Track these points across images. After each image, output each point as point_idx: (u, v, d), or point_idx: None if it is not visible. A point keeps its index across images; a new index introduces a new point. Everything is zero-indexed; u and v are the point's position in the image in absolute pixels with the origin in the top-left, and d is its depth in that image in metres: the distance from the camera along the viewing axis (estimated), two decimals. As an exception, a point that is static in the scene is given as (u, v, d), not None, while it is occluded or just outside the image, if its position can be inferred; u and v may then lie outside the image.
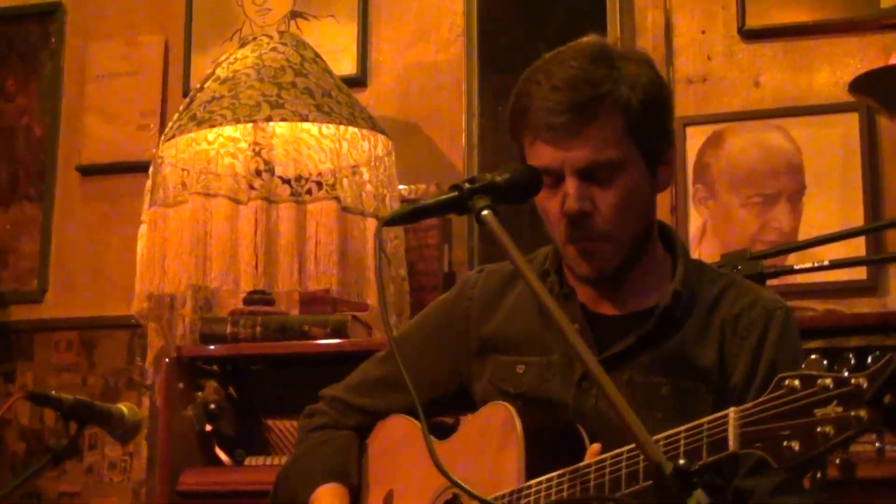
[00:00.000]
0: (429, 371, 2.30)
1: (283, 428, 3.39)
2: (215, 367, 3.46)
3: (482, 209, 1.93)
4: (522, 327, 2.20)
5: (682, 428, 1.77)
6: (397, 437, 2.33)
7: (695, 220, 3.57)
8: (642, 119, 2.06)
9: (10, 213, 4.20)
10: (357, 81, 3.87)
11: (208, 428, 3.38)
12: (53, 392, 2.32)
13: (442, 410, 2.35)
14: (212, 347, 3.41)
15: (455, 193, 1.97)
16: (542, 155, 2.06)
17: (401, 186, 3.56)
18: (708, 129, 3.61)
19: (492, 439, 2.10)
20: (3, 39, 4.30)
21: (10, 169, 4.22)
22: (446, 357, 2.30)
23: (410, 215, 2.02)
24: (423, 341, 2.34)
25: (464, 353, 2.27)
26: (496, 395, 2.18)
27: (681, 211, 3.58)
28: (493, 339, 2.24)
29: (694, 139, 3.61)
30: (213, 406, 3.38)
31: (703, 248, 3.52)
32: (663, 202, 3.50)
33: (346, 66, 3.88)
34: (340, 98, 3.41)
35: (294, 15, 4.00)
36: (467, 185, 1.96)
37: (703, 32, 3.68)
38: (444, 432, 2.25)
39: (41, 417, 4.01)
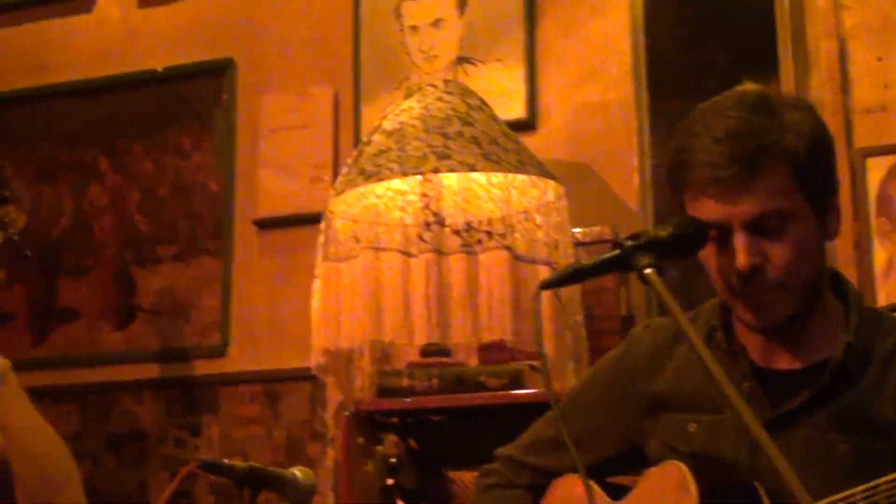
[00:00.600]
0: (599, 430, 2.29)
1: (465, 479, 3.39)
2: (394, 420, 3.49)
3: (645, 267, 1.91)
4: (692, 384, 2.17)
5: (859, 488, 1.73)
6: (572, 496, 2.32)
7: (879, 256, 3.47)
8: (809, 166, 2.01)
9: (191, 268, 4.30)
10: (526, 125, 3.87)
11: (390, 481, 3.41)
12: (225, 460, 2.36)
13: (617, 469, 2.33)
14: (389, 400, 3.44)
15: (617, 252, 1.95)
16: (708, 210, 2.03)
17: (575, 230, 3.54)
18: (889, 160, 3.51)
19: (666, 500, 2.08)
20: (177, 98, 4.41)
21: (190, 225, 4.32)
22: (616, 416, 2.28)
23: (571, 277, 2.01)
24: (593, 400, 2.33)
25: (633, 412, 2.25)
26: (668, 454, 2.15)
27: (864, 246, 3.48)
28: (663, 396, 2.21)
29: (875, 171, 3.51)
30: (393, 459, 3.41)
31: (890, 285, 3.42)
32: (846, 237, 3.42)
33: (514, 109, 3.88)
34: (508, 145, 3.41)
35: (460, 61, 4.03)
36: (629, 243, 1.94)
37: (880, 60, 3.58)
38: (618, 492, 2.23)
39: (229, 470, 4.08)
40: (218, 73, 4.38)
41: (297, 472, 2.49)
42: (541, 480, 2.39)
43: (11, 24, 4.71)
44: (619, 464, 2.32)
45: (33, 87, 4.60)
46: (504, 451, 2.47)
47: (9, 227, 2.90)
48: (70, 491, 2.76)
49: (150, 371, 4.28)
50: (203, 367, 4.23)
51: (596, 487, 2.25)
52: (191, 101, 4.40)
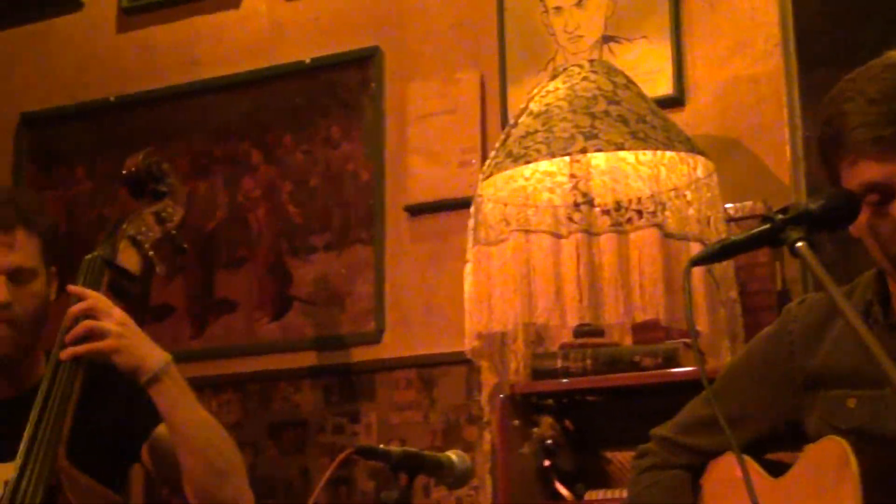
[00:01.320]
0: (755, 409, 2.27)
1: (623, 459, 3.39)
2: (549, 402, 3.50)
3: (796, 241, 1.89)
4: (850, 359, 2.13)
5: None
6: (732, 476, 2.30)
7: None
8: None
9: (343, 257, 4.35)
10: (674, 102, 3.84)
11: (546, 463, 3.42)
12: (381, 445, 2.39)
13: (775, 446, 2.31)
14: (544, 382, 3.46)
15: (767, 226, 1.93)
16: (869, 172, 1.99)
17: (727, 206, 3.51)
18: None
19: (826, 477, 2.05)
20: (325, 88, 4.47)
21: (342, 214, 4.38)
22: (772, 394, 2.26)
23: (720, 253, 2.00)
24: (748, 379, 2.31)
25: (790, 389, 2.23)
26: (828, 430, 2.13)
27: None
28: (820, 372, 2.18)
29: None
30: (549, 441, 3.42)
31: None
32: None
33: (661, 86, 3.86)
34: (656, 122, 3.40)
35: (606, 39, 4.00)
36: (779, 216, 1.92)
37: None
38: (778, 470, 2.21)
39: (388, 455, 4.12)
40: (365, 62, 4.42)
41: (453, 455, 2.50)
42: (698, 460, 2.38)
43: (163, 21, 4.81)
44: (777, 441, 2.30)
45: (185, 83, 4.70)
46: (659, 431, 2.46)
47: (167, 221, 2.97)
48: (236, 481, 2.82)
49: (308, 359, 4.34)
50: (359, 355, 4.28)
51: (755, 465, 2.24)
52: (339, 91, 4.45)
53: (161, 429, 2.85)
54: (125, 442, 2.91)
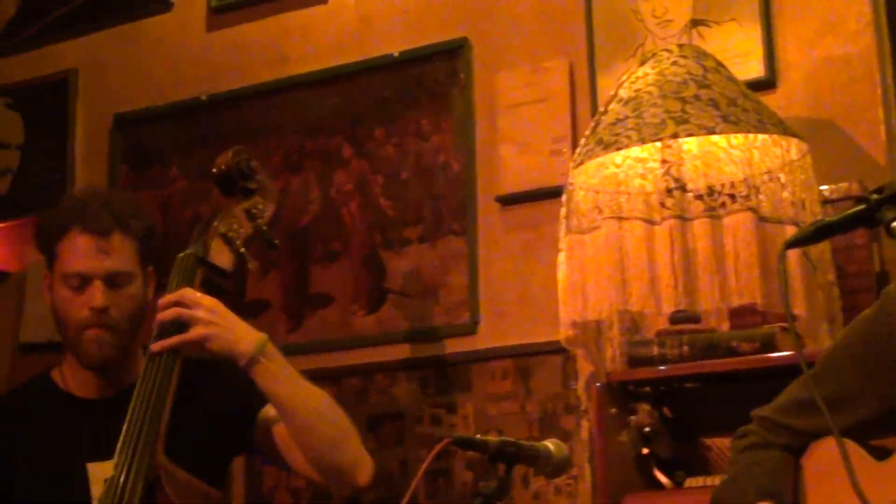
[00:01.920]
0: (855, 393, 2.26)
1: (722, 446, 3.38)
2: (647, 389, 3.50)
3: (893, 220, 1.88)
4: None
5: None
6: (833, 458, 2.29)
7: None
8: None
9: (437, 248, 4.37)
10: (765, 84, 3.82)
11: (645, 451, 3.42)
12: (478, 435, 2.41)
13: (879, 432, 2.30)
14: (640, 370, 3.45)
15: (862, 206, 1.92)
16: None
17: (822, 187, 3.49)
18: None
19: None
20: (414, 81, 4.49)
21: (433, 206, 4.40)
22: (872, 378, 2.25)
23: (815, 235, 1.99)
24: (847, 362, 2.30)
25: (890, 374, 2.21)
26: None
27: None
28: (922, 356, 2.17)
29: None
30: (647, 429, 3.42)
31: None
32: None
33: (752, 69, 3.83)
34: (747, 105, 3.38)
35: (695, 23, 3.99)
36: (874, 196, 1.91)
37: None
38: (883, 455, 2.20)
39: (486, 446, 4.14)
40: (453, 54, 4.44)
41: (550, 444, 2.51)
42: (798, 441, 2.37)
43: (252, 19, 4.87)
44: (882, 427, 2.28)
45: (275, 80, 4.75)
46: (760, 411, 2.47)
47: (257, 218, 3.00)
48: (351, 446, 2.85)
49: (403, 352, 4.38)
50: (454, 346, 4.30)
51: (857, 448, 2.23)
52: (428, 83, 4.47)
53: (266, 410, 2.90)
54: (229, 432, 2.95)
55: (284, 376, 2.79)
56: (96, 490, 2.81)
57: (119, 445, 2.70)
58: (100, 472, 2.82)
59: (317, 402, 2.81)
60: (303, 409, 2.78)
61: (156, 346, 2.76)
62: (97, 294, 2.85)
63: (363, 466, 2.85)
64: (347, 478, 2.84)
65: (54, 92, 5.17)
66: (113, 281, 2.87)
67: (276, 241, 3.04)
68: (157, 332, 2.77)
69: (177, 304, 2.76)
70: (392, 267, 4.44)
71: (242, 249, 2.94)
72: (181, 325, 2.75)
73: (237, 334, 2.77)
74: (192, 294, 2.78)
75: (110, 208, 2.92)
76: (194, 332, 2.74)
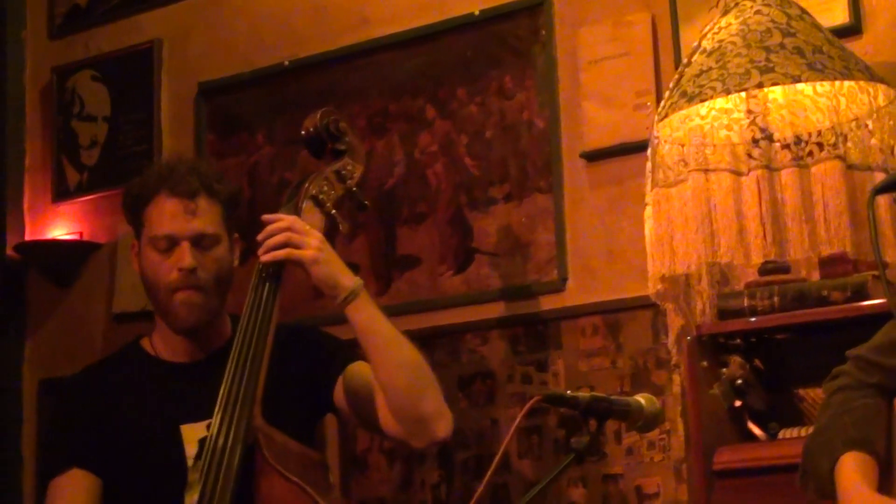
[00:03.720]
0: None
1: (815, 396, 3.39)
2: (738, 342, 3.52)
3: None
4: None
5: None
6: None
7: None
8: None
9: (523, 206, 4.41)
10: (850, 30, 3.80)
11: (738, 404, 3.44)
12: (569, 391, 2.45)
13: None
14: (731, 322, 3.47)
15: (950, 150, 1.94)
16: None
17: (913, 132, 3.48)
18: None
19: None
20: (495, 39, 4.52)
21: (519, 164, 4.43)
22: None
23: (902, 180, 2.01)
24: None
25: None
26: None
27: None
28: None
29: None
30: (739, 381, 3.43)
31: None
32: None
33: (837, 15, 3.81)
34: (832, 52, 3.38)
35: (777, -29, 3.97)
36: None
37: None
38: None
39: (578, 402, 4.17)
40: (534, 10, 4.45)
41: (642, 399, 2.54)
42: (890, 380, 2.39)
43: (334, -17, 4.91)
44: None
45: (357, 43, 4.78)
46: (855, 351, 2.49)
47: (347, 179, 3.06)
48: (435, 396, 2.93)
49: (493, 311, 4.42)
50: (543, 303, 4.34)
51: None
52: (509, 41, 4.49)
53: (351, 368, 2.97)
54: (317, 392, 3.02)
55: (379, 317, 2.88)
56: (190, 450, 2.91)
57: (218, 407, 2.78)
58: (193, 433, 2.91)
59: (406, 348, 2.89)
60: (394, 351, 2.86)
61: (266, 256, 2.84)
62: (185, 255, 2.93)
63: (444, 418, 2.92)
64: (428, 429, 2.90)
65: (139, 63, 5.25)
66: (200, 242, 2.95)
67: (366, 202, 3.11)
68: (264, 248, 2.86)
69: (285, 229, 2.84)
70: (479, 226, 4.47)
71: (333, 211, 3.00)
72: (289, 243, 2.84)
73: (341, 268, 2.86)
74: (302, 223, 2.86)
75: (196, 172, 3.01)
76: (304, 252, 2.83)
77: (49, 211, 5.39)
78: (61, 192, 5.38)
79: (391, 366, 2.86)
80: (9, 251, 5.35)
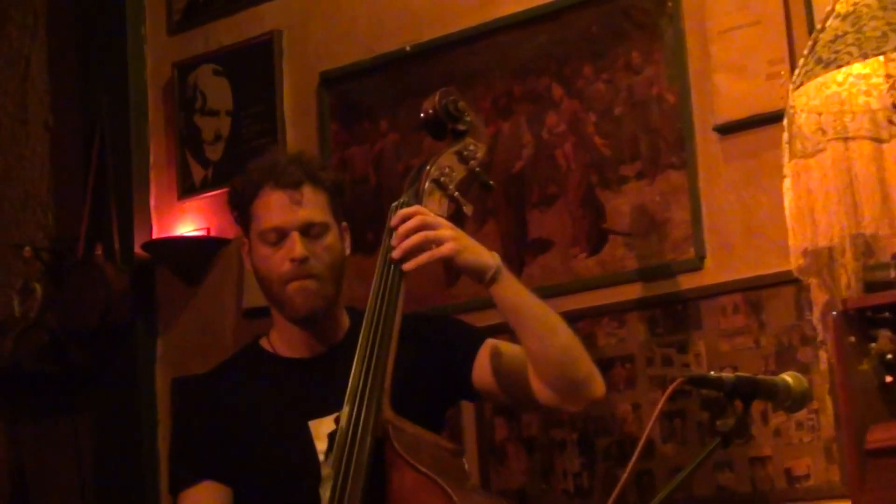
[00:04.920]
0: None
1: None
2: (886, 315, 3.47)
3: None
4: None
5: None
6: None
7: None
8: None
9: (656, 184, 4.38)
10: None
11: (888, 379, 3.39)
12: (713, 372, 2.44)
13: None
14: (878, 295, 3.43)
15: None
16: None
17: None
18: None
19: None
20: (620, 13, 4.48)
21: (650, 140, 4.41)
22: None
23: None
24: None
25: None
26: None
27: None
28: None
29: None
30: (889, 356, 3.39)
31: None
32: None
33: (978, -29, 3.73)
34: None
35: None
36: None
37: None
38: None
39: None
40: (663, -19, 4.42)
41: (789, 377, 2.53)
42: None
43: (454, -36, 4.92)
44: None
45: (479, 25, 4.79)
46: None
47: (469, 160, 3.06)
48: (586, 361, 2.98)
49: (629, 293, 4.41)
50: (681, 283, 4.31)
51: None
52: (635, 15, 4.46)
53: (486, 347, 2.99)
54: (452, 378, 3.05)
55: (523, 289, 2.91)
56: (321, 445, 2.95)
57: (347, 400, 2.82)
58: (322, 428, 2.95)
59: (553, 317, 2.93)
60: (543, 320, 2.89)
61: (410, 265, 2.87)
62: (296, 245, 2.97)
63: (597, 379, 2.97)
64: (584, 390, 2.95)
65: (259, 55, 5.31)
66: (308, 231, 3.00)
67: (491, 182, 3.11)
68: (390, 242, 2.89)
69: (418, 229, 2.86)
70: (611, 206, 4.46)
71: (456, 193, 3.01)
72: (426, 244, 2.86)
73: (480, 249, 2.90)
74: (431, 215, 2.89)
75: (299, 162, 3.06)
76: (445, 248, 2.85)
77: (175, 208, 5.48)
78: (187, 189, 5.46)
79: (543, 336, 2.89)
80: (137, 250, 5.45)
